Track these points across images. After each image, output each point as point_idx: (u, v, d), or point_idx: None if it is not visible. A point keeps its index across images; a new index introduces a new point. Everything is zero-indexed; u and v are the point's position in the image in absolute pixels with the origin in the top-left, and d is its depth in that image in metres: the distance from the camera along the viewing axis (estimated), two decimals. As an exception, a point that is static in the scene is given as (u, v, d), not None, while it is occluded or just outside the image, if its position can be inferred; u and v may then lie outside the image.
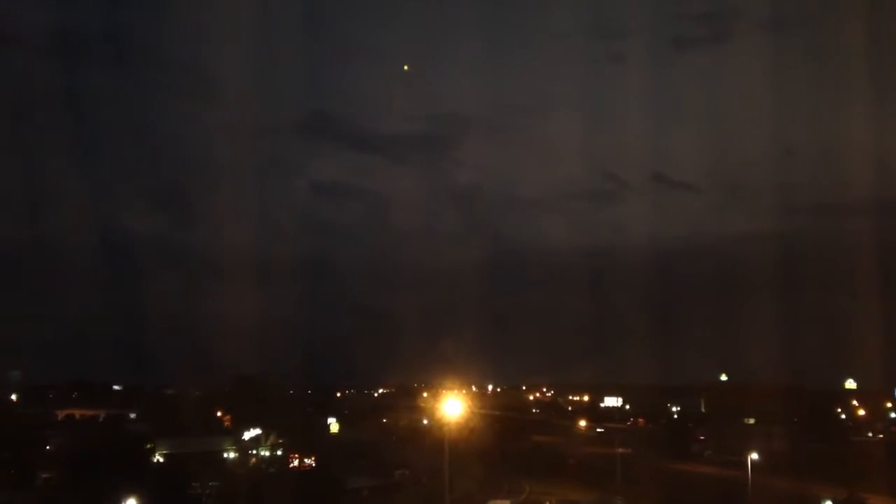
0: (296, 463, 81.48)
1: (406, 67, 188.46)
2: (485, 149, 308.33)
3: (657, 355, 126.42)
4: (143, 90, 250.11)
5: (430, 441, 67.10)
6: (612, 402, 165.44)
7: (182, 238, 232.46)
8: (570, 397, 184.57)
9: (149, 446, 78.70)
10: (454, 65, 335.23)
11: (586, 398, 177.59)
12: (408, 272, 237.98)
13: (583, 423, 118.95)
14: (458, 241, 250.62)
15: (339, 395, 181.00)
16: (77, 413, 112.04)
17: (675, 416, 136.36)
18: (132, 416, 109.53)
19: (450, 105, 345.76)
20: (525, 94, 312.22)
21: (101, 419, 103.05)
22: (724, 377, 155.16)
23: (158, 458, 77.72)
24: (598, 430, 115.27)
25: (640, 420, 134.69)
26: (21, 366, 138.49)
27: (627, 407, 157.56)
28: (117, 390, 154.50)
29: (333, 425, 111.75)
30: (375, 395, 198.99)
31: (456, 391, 76.00)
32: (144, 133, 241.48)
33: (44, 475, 66.34)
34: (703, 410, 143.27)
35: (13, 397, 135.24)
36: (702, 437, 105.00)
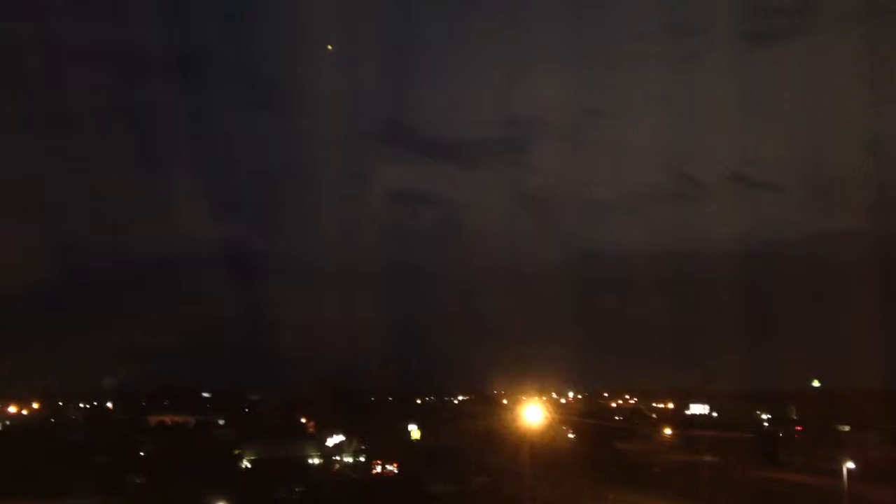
0: (378, 469, 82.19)
1: (329, 47, 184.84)
2: (558, 152, 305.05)
3: (744, 361, 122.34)
4: (221, 103, 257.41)
5: (511, 448, 66.61)
6: (697, 409, 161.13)
7: (262, 247, 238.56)
8: (654, 404, 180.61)
9: (236, 451, 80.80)
10: (525, 68, 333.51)
11: (670, 405, 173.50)
12: (485, 278, 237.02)
13: (668, 430, 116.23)
14: (533, 246, 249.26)
15: (419, 401, 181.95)
16: (168, 419, 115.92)
17: (766, 424, 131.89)
18: (220, 422, 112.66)
19: (521, 109, 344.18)
20: (598, 95, 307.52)
21: (190, 425, 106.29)
22: (815, 383, 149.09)
23: (246, 463, 79.64)
24: (685, 437, 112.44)
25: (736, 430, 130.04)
26: (115, 374, 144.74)
27: (714, 414, 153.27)
28: (206, 397, 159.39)
29: (414, 431, 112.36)
30: (455, 401, 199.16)
31: (536, 398, 75.49)
32: (223, 145, 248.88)
33: (137, 480, 68.88)
34: (794, 417, 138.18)
35: (108, 404, 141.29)
36: (799, 427, 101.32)
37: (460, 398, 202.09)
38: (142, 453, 77.39)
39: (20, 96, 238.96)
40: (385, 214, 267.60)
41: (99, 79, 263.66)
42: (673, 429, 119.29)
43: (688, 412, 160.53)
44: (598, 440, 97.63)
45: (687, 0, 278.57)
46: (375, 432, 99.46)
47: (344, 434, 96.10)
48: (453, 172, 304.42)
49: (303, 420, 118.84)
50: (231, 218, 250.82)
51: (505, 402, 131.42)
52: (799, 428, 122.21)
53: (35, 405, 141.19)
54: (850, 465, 62.52)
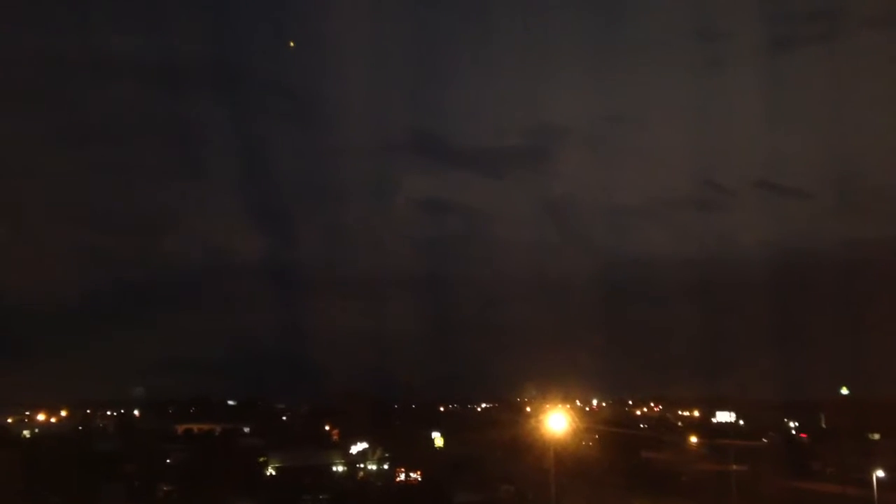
0: (402, 477, 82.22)
1: (292, 44, 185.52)
2: (582, 159, 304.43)
3: (772, 369, 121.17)
4: (251, 116, 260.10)
5: (536, 456, 66.37)
6: (724, 417, 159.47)
7: (289, 257, 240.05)
8: (680, 412, 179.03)
9: (262, 459, 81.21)
10: (548, 76, 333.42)
11: (697, 413, 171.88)
12: (509, 286, 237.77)
13: (694, 438, 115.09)
14: (557, 254, 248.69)
15: (442, 409, 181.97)
16: (195, 427, 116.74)
17: (794, 432, 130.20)
18: (246, 430, 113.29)
19: (545, 117, 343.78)
20: (622, 102, 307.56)
21: (217, 433, 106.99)
22: (844, 391, 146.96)
23: (271, 470, 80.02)
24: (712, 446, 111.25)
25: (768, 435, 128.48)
26: (142, 383, 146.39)
27: (741, 423, 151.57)
28: (231, 405, 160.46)
29: (438, 439, 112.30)
30: (479, 409, 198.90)
31: (560, 406, 75.10)
32: (251, 156, 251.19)
33: (165, 487, 69.46)
34: (823, 426, 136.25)
35: (136, 412, 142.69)
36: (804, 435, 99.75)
37: (484, 406, 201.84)
38: (168, 461, 78.05)
39: (61, 111, 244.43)
40: (411, 224, 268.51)
41: (134, 93, 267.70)
42: (699, 437, 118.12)
43: (714, 420, 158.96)
44: (623, 449, 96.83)
45: (711, 6, 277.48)
46: (399, 440, 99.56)
47: (368, 442, 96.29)
48: (478, 181, 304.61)
49: (327, 428, 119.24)
50: (258, 229, 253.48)
51: (529, 409, 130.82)
52: (804, 435, 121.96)
53: (63, 413, 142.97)
54: (881, 473, 61.53)
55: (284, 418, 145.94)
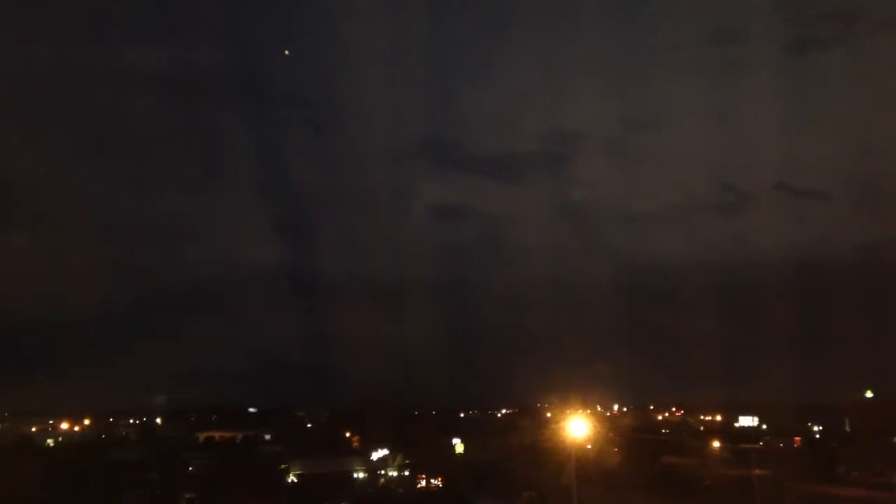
0: (423, 483, 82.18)
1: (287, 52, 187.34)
2: (599, 165, 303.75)
3: (794, 373, 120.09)
4: (268, 125, 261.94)
5: (557, 462, 66.15)
6: (747, 421, 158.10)
7: (307, 265, 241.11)
8: (701, 417, 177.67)
9: (283, 466, 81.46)
10: (564, 82, 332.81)
11: (718, 418, 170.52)
12: (527, 292, 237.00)
13: (716, 443, 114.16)
14: (576, 260, 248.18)
15: (462, 415, 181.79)
16: (217, 435, 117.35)
17: (817, 436, 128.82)
18: (267, 437, 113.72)
19: (561, 122, 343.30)
20: (638, 106, 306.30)
21: (238, 441, 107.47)
22: (869, 394, 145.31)
23: (292, 477, 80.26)
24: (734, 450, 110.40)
25: (797, 438, 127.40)
26: (164, 392, 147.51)
27: (764, 427, 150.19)
28: (252, 413, 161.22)
29: (458, 446, 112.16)
30: (498, 415, 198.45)
31: (580, 411, 74.79)
32: (269, 165, 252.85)
33: (187, 495, 69.85)
34: (847, 429, 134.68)
35: (158, 421, 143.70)
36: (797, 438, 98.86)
37: (504, 412, 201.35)
38: (190, 469, 78.52)
39: (81, 122, 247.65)
40: (428, 231, 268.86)
41: (152, 104, 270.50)
42: (721, 442, 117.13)
43: (736, 425, 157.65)
44: (644, 454, 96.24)
45: (726, 9, 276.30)
46: (420, 447, 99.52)
47: (388, 448, 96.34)
48: (495, 187, 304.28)
49: (348, 435, 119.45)
50: (277, 238, 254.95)
51: (549, 415, 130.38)
52: (797, 439, 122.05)
53: (86, 422, 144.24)
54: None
55: (309, 426, 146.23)
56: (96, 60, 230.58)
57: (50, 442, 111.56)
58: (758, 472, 73.48)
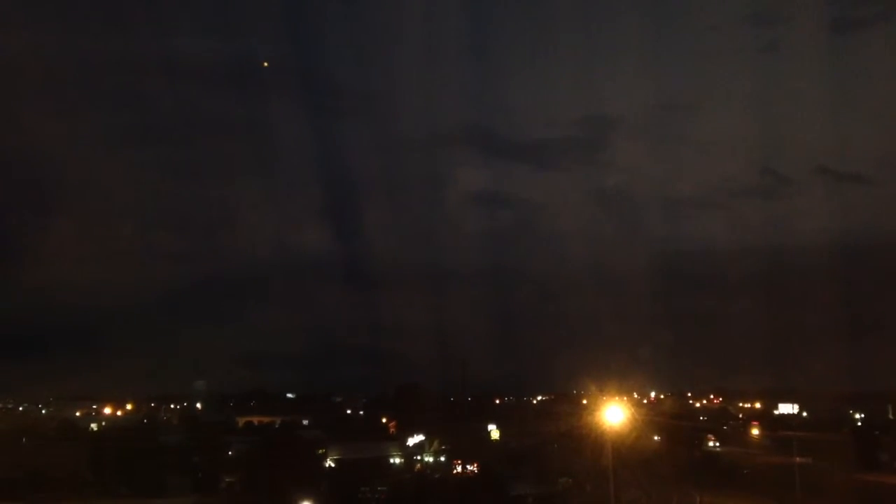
0: (459, 469, 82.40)
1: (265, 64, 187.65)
2: (637, 149, 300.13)
3: (836, 359, 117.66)
4: (310, 113, 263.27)
5: (593, 449, 65.89)
6: (787, 408, 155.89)
7: (348, 252, 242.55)
8: (740, 404, 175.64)
9: (321, 451, 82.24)
10: (600, 66, 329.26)
11: (758, 405, 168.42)
12: (564, 278, 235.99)
13: (756, 430, 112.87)
14: (613, 245, 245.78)
15: (498, 402, 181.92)
16: (255, 420, 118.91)
17: (860, 424, 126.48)
18: (305, 422, 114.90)
19: (598, 107, 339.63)
20: (675, 90, 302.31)
21: (276, 426, 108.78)
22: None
23: (330, 462, 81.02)
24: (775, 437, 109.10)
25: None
26: (205, 377, 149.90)
27: (804, 414, 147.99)
28: (290, 398, 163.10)
29: (494, 432, 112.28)
30: (534, 401, 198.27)
31: (617, 398, 74.22)
32: (312, 153, 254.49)
33: (227, 479, 70.93)
34: (891, 416, 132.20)
35: (198, 406, 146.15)
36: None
37: (539, 398, 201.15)
38: (230, 453, 79.71)
39: (133, 111, 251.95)
40: (467, 217, 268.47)
41: (198, 93, 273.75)
42: (761, 429, 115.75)
43: (776, 412, 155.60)
44: (683, 441, 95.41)
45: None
46: (456, 432, 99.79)
47: (424, 434, 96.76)
48: (532, 173, 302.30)
49: (384, 420, 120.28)
50: (320, 225, 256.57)
51: (585, 402, 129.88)
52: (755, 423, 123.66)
53: (129, 406, 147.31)
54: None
55: (349, 412, 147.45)
56: (143, 49, 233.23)
57: (94, 426, 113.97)
58: (799, 459, 72.43)
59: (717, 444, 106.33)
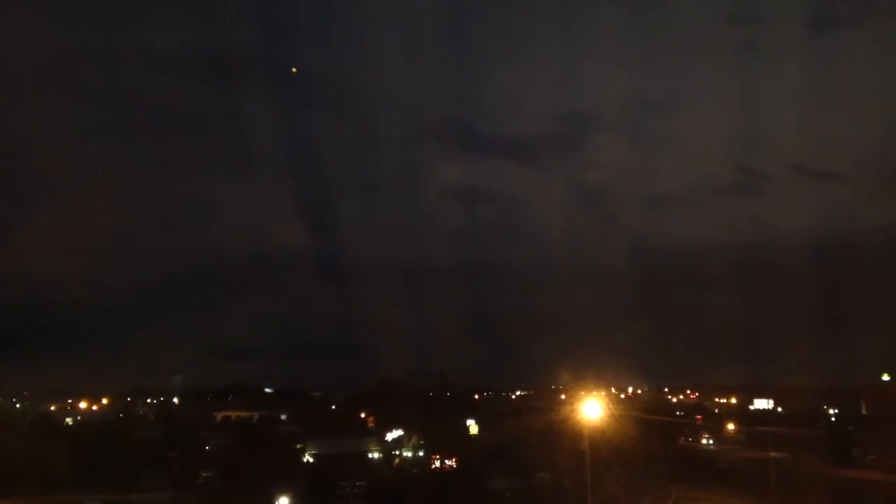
0: (437, 464, 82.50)
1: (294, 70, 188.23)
2: (615, 146, 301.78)
3: (811, 356, 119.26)
4: (286, 106, 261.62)
5: (571, 444, 66.32)
6: (762, 404, 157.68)
7: (325, 247, 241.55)
8: (717, 399, 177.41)
9: (299, 446, 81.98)
10: (580, 63, 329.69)
11: (734, 400, 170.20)
12: (542, 274, 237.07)
13: (731, 426, 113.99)
14: (591, 242, 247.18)
15: (476, 397, 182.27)
16: (233, 415, 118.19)
17: (833, 419, 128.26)
18: (283, 417, 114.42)
19: (577, 104, 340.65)
20: (654, 87, 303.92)
21: (254, 420, 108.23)
22: (886, 377, 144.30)
23: (308, 457, 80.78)
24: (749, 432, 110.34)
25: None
26: (182, 371, 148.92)
27: (779, 410, 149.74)
28: (268, 393, 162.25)
29: (473, 427, 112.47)
30: (513, 396, 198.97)
31: (595, 393, 74.72)
32: (288, 147, 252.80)
33: (204, 474, 70.53)
34: (864, 412, 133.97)
35: (175, 401, 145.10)
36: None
37: (518, 393, 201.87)
38: (207, 448, 79.25)
39: (108, 105, 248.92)
40: (445, 212, 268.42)
41: (175, 86, 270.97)
42: (737, 425, 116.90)
43: (752, 408, 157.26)
44: (660, 436, 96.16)
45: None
46: (434, 428, 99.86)
47: (403, 429, 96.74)
48: (511, 169, 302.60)
49: (363, 415, 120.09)
50: (296, 219, 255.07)
51: (564, 397, 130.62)
52: (699, 417, 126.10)
53: (104, 401, 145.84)
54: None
55: (334, 407, 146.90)
56: (120, 42, 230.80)
57: (69, 421, 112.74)
58: (773, 454, 73.29)
59: (711, 441, 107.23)
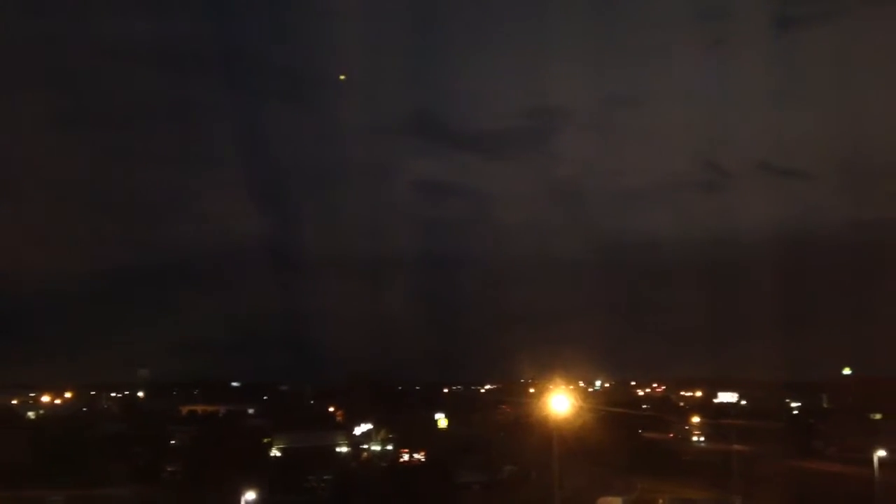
0: (406, 457, 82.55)
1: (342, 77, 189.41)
2: (584, 141, 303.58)
3: (774, 350, 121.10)
4: (251, 98, 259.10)
5: (539, 437, 66.68)
6: (726, 397, 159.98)
7: (292, 240, 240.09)
8: (682, 393, 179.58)
9: (266, 440, 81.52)
10: (549, 58, 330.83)
11: (699, 394, 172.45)
12: (511, 268, 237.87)
13: (696, 419, 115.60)
14: (560, 236, 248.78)
15: (446, 391, 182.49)
16: (199, 409, 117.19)
17: (795, 412, 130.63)
18: (250, 411, 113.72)
19: (546, 99, 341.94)
20: (623, 83, 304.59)
21: (221, 414, 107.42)
22: (846, 371, 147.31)
23: (276, 451, 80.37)
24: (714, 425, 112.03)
25: None
26: (147, 365, 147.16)
27: (744, 403, 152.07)
28: (235, 387, 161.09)
29: (442, 420, 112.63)
30: (482, 390, 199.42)
31: (564, 387, 75.12)
32: (253, 139, 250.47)
33: (169, 468, 69.83)
34: (825, 406, 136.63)
35: (140, 394, 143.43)
36: None
37: (488, 387, 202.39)
38: (173, 442, 78.49)
39: (72, 94, 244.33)
40: (413, 206, 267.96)
41: (136, 76, 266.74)
42: (701, 417, 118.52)
43: (716, 401, 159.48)
44: (625, 429, 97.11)
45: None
46: (403, 421, 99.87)
47: (372, 423, 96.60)
48: (479, 163, 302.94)
49: (331, 409, 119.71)
50: (261, 212, 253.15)
51: (532, 390, 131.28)
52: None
53: (68, 395, 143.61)
54: (882, 453, 61.41)
55: (312, 401, 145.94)
56: (76, 30, 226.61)
57: (31, 415, 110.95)
58: (737, 447, 74.39)
59: (703, 438, 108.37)
